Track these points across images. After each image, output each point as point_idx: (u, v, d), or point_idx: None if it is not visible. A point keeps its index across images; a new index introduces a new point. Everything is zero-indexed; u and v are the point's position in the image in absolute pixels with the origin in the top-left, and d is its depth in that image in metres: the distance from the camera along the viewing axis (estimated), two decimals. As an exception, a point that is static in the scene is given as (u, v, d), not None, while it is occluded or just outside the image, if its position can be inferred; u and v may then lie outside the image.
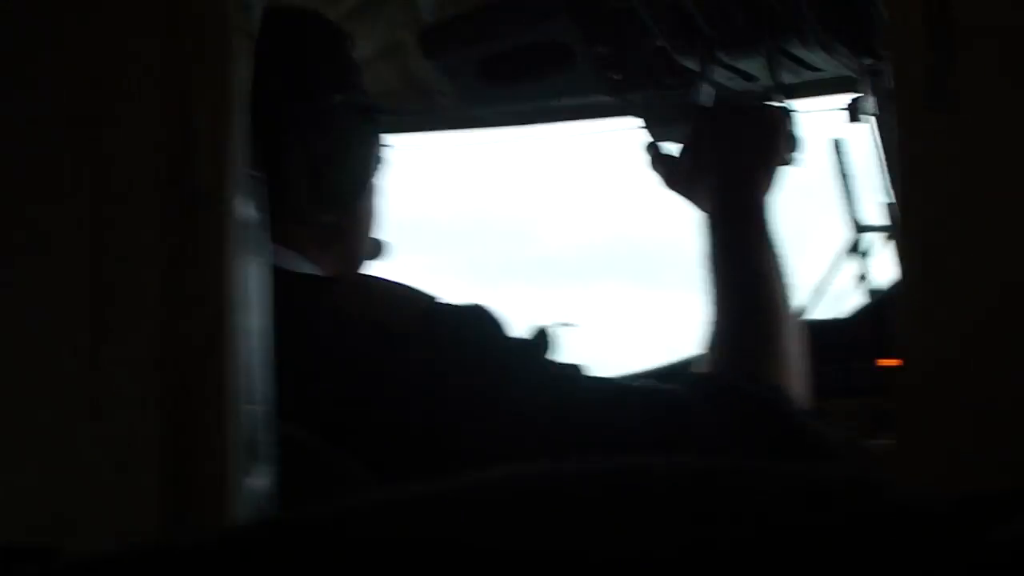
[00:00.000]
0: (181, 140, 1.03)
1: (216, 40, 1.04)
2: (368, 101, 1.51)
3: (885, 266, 3.12)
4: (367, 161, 1.50)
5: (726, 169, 1.61)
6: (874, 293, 3.15)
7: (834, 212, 3.07)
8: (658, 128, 1.91)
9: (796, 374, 1.46)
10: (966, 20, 0.91)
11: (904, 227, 0.97)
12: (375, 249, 1.59)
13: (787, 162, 1.67)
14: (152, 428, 1.01)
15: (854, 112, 1.79)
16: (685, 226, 1.58)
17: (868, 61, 1.75)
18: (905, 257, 0.96)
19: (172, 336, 1.02)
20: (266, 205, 1.26)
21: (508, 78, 1.92)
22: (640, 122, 1.88)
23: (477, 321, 1.34)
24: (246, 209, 1.06)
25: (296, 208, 1.43)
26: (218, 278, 1.02)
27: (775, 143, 1.65)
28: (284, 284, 1.34)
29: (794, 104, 1.73)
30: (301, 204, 1.42)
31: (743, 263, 1.52)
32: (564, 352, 1.35)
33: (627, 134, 2.08)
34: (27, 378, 1.05)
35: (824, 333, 2.48)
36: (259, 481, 1.06)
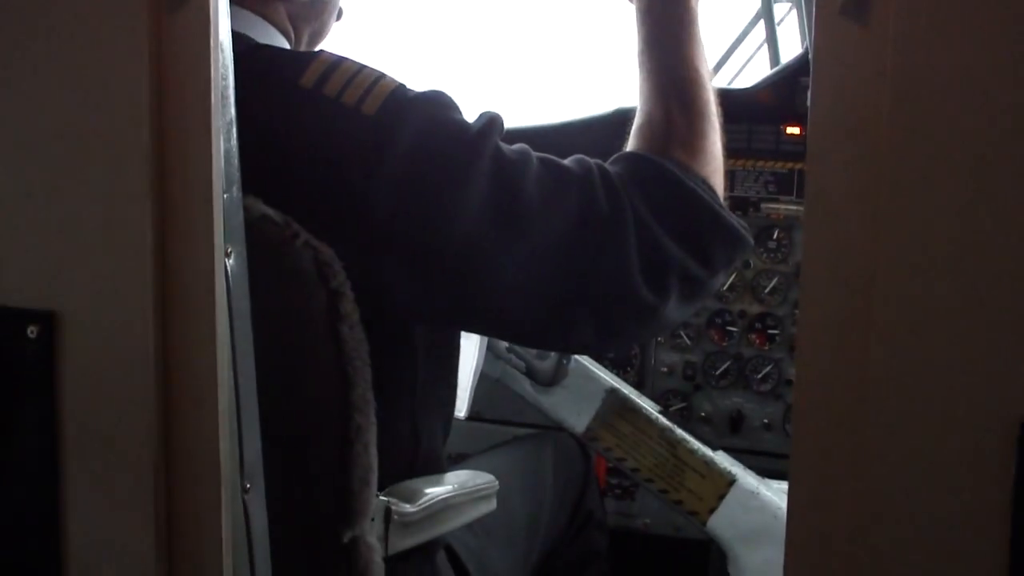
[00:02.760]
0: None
1: None
2: None
3: (791, 36, 3.25)
4: None
5: None
6: (779, 63, 3.29)
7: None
8: None
9: (718, 154, 1.58)
10: None
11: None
12: (337, 15, 1.71)
13: None
14: (143, 213, 1.13)
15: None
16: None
17: None
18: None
19: (156, 120, 1.13)
20: None
21: None
22: None
23: (434, 107, 1.44)
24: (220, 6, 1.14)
25: None
26: (201, 71, 1.12)
27: None
28: (259, 57, 1.45)
29: None
30: None
31: (671, 51, 1.60)
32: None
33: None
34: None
35: (733, 99, 2.61)
36: (233, 260, 1.19)
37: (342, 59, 1.43)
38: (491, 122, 1.44)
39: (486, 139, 1.41)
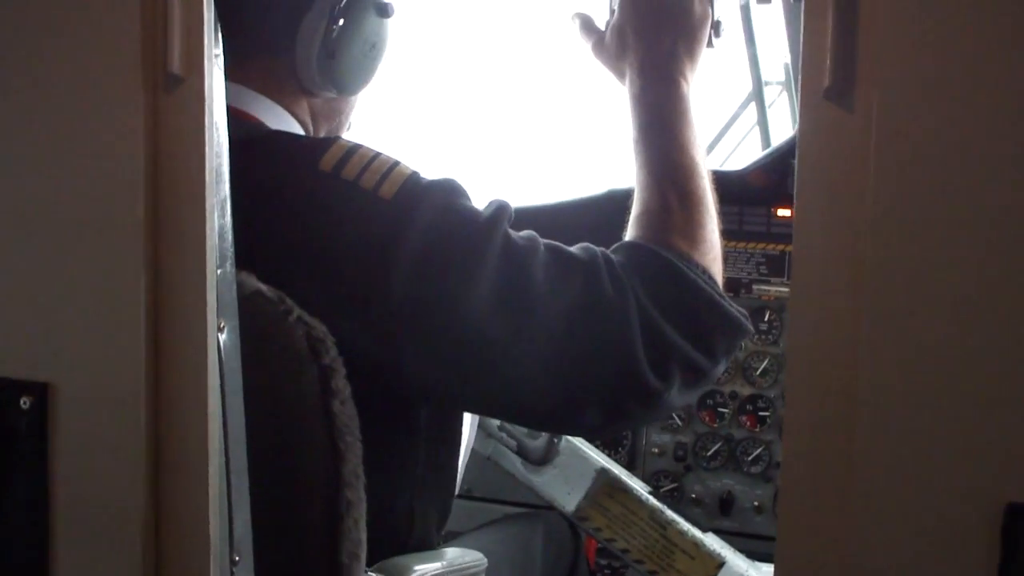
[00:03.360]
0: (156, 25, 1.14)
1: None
2: (385, 2, 1.60)
3: (783, 118, 3.29)
4: (375, 53, 1.62)
5: (648, 51, 1.70)
6: (770, 145, 3.32)
7: (736, 66, 3.21)
8: None
9: (716, 242, 1.59)
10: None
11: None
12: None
13: (708, 45, 1.77)
14: (136, 288, 1.14)
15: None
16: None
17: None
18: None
19: (151, 197, 1.14)
20: (282, 75, 1.55)
21: None
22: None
23: (448, 194, 1.46)
24: (215, 87, 1.17)
25: (305, 81, 1.56)
26: (196, 149, 1.14)
27: (697, 29, 1.74)
28: (276, 140, 1.50)
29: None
30: (311, 79, 1.55)
31: (665, 138, 1.62)
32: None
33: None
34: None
35: (725, 181, 2.63)
36: (226, 335, 1.21)
37: (359, 145, 1.47)
38: (500, 210, 1.47)
39: (496, 226, 1.44)
